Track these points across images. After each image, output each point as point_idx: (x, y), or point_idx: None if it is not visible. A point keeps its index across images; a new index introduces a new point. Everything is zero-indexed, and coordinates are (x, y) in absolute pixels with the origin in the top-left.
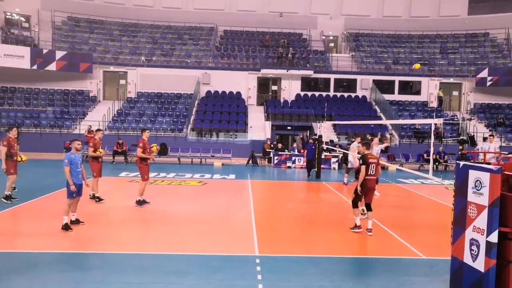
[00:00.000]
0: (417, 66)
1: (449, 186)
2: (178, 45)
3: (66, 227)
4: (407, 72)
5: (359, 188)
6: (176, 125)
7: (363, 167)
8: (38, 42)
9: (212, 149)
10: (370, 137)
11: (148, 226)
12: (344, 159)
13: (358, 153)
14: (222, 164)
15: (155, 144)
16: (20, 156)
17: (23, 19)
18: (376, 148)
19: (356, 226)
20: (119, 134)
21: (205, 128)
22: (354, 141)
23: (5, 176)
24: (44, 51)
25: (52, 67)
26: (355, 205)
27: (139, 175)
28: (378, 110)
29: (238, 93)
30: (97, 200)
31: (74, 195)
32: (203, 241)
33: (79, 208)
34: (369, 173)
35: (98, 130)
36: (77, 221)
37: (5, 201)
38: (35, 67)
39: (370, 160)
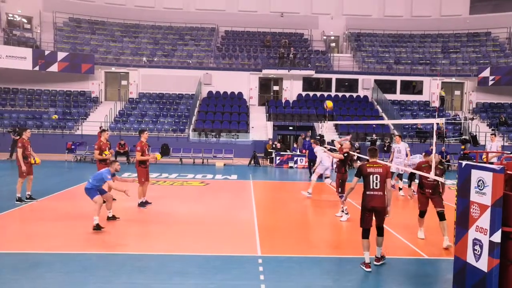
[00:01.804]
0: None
1: (451, 186)
2: (179, 46)
3: (97, 227)
4: (408, 72)
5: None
6: (178, 126)
7: (355, 179)
8: (40, 43)
9: (214, 150)
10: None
11: (151, 227)
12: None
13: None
14: (224, 165)
15: (158, 154)
16: (34, 159)
17: (25, 20)
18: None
19: (364, 264)
20: (121, 135)
21: (207, 129)
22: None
23: (16, 178)
24: (46, 52)
25: (54, 68)
26: (364, 234)
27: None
28: (380, 110)
29: (240, 94)
30: None
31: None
32: (206, 241)
33: (81, 209)
34: (371, 187)
35: (103, 130)
36: (113, 217)
37: (27, 201)
38: (37, 68)
39: (369, 170)
